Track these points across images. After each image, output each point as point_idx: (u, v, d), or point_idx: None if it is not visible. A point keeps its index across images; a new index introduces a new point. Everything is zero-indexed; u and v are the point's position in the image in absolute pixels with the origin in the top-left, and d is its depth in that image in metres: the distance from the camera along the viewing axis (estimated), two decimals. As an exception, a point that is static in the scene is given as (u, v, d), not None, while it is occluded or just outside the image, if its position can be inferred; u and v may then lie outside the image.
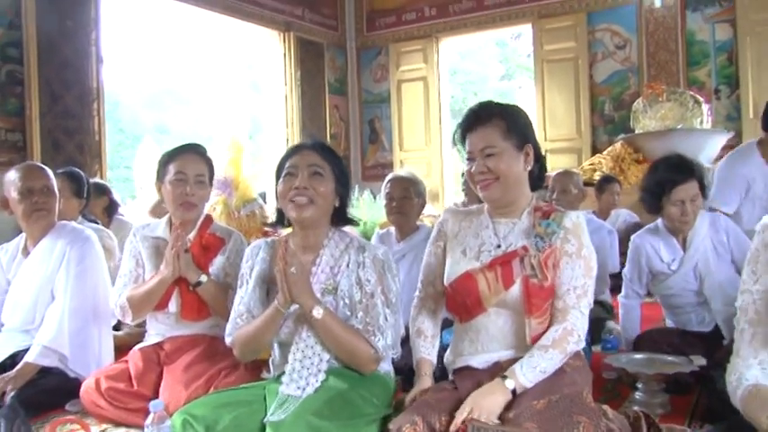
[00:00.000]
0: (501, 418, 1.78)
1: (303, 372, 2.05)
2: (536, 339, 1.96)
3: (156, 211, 4.84)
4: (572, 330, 1.95)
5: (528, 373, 1.85)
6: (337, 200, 2.19)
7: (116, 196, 4.60)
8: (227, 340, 2.20)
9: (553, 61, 8.02)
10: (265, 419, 1.95)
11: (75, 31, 5.70)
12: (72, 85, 5.63)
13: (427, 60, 8.82)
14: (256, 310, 2.17)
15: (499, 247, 2.06)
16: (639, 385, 2.52)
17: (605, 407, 1.91)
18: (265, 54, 8.38)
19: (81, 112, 5.69)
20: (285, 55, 8.23)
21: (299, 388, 2.01)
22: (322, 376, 2.04)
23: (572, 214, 2.07)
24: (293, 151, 2.21)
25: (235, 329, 2.19)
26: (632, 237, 3.10)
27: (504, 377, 1.86)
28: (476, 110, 2.09)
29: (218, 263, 2.66)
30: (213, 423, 1.96)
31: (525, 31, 8.56)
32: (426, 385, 2.06)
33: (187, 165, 2.64)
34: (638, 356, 2.66)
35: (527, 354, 1.91)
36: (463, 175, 3.77)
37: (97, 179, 4.90)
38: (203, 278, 2.56)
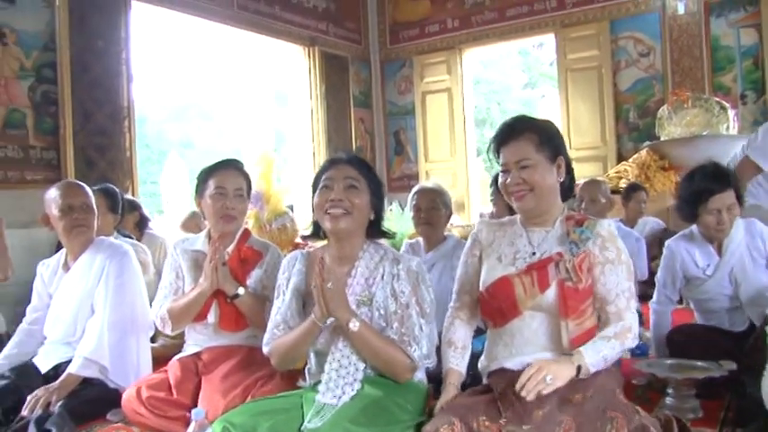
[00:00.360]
0: (533, 417, 1.82)
1: (339, 381, 2.09)
2: (576, 341, 2.02)
3: (188, 225, 4.94)
4: (630, 327, 2.04)
5: (593, 355, 1.94)
6: (372, 213, 2.24)
7: (146, 211, 4.71)
8: (265, 350, 2.27)
9: (577, 70, 8.03)
10: (303, 427, 2.00)
11: (105, 50, 5.82)
12: (103, 103, 5.76)
13: (451, 72, 8.87)
14: (293, 321, 2.23)
15: (534, 254, 2.13)
16: (669, 390, 2.54)
17: (638, 407, 1.92)
18: (290, 68, 8.48)
19: (112, 129, 5.81)
20: (310, 69, 8.32)
21: (335, 396, 2.06)
22: (358, 385, 2.09)
23: (604, 222, 2.15)
24: (329, 165, 2.27)
25: (272, 339, 2.25)
26: (667, 242, 3.11)
27: (570, 355, 1.94)
28: (510, 123, 2.17)
29: (255, 275, 2.73)
30: (251, 430, 2.02)
31: (548, 40, 8.59)
32: (452, 394, 2.11)
33: (226, 179, 2.71)
34: (668, 362, 2.68)
35: (590, 341, 1.99)
36: (491, 185, 3.85)
37: (128, 195, 5.01)
38: (241, 290, 2.62)
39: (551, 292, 2.05)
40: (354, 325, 2.04)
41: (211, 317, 2.68)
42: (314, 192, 2.26)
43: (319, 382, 2.13)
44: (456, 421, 1.82)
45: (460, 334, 2.25)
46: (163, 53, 18.32)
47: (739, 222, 2.92)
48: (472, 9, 8.66)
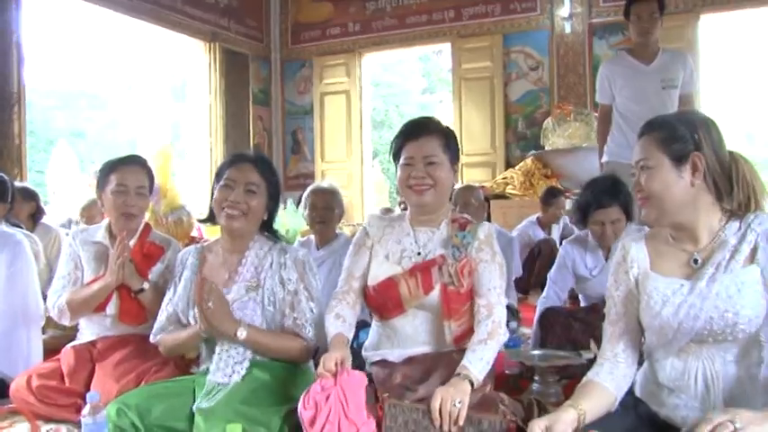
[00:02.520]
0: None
1: (229, 360, 2.20)
2: (457, 339, 2.18)
3: (88, 211, 4.84)
4: (500, 323, 2.15)
5: (477, 364, 2.01)
6: (266, 214, 2.37)
7: (42, 203, 4.61)
8: (152, 339, 2.38)
9: (470, 79, 8.39)
10: (195, 407, 2.11)
11: (-5, 32, 5.66)
12: (-8, 87, 5.59)
13: (350, 74, 9.05)
14: (183, 315, 2.33)
15: (419, 254, 2.25)
16: (536, 378, 2.80)
17: (503, 395, 2.12)
18: (190, 63, 8.43)
19: (1, 116, 5.63)
20: (210, 64, 8.31)
21: (225, 375, 2.17)
22: (247, 364, 2.20)
23: (484, 226, 2.29)
24: (234, 162, 2.36)
25: (161, 331, 2.36)
26: (563, 243, 3.43)
27: (459, 374, 1.98)
28: (421, 121, 2.31)
29: (157, 270, 2.75)
30: (146, 411, 2.10)
31: (445, 48, 8.92)
32: (343, 352, 2.06)
33: (128, 176, 2.72)
34: (534, 352, 2.95)
35: (468, 350, 2.07)
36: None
37: (25, 184, 4.88)
38: (145, 285, 2.65)
39: (435, 294, 2.18)
40: (242, 333, 2.15)
41: (110, 309, 2.69)
42: (216, 181, 2.36)
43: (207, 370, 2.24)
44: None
45: (347, 312, 2.27)
46: (53, 38, 17.57)
47: (630, 230, 3.14)
48: (373, 15, 8.87)
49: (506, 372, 3.14)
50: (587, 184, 3.28)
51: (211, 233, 4.80)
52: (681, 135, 1.67)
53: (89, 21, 9.78)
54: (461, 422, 1.84)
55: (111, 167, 2.76)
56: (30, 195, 4.49)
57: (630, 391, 1.83)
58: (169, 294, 2.40)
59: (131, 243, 2.73)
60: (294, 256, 2.35)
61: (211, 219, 2.44)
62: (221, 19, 8.47)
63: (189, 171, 7.69)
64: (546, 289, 3.45)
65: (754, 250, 1.63)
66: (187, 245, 3.63)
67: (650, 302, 1.72)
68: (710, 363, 1.66)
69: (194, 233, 4.25)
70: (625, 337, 1.82)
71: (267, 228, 2.42)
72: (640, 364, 1.88)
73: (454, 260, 2.19)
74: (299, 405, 1.91)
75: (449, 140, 2.25)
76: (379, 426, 1.92)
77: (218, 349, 2.24)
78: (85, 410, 2.00)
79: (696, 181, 1.65)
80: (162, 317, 2.39)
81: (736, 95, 17.92)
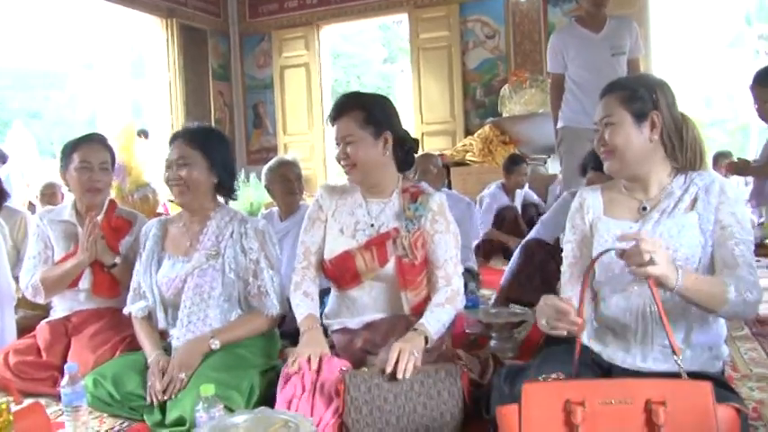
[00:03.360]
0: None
1: (191, 326, 2.36)
2: (416, 308, 2.28)
3: (45, 194, 4.88)
4: (458, 290, 2.28)
5: (434, 324, 2.15)
6: (215, 176, 2.45)
7: (5, 185, 4.61)
8: (125, 310, 2.55)
9: (428, 49, 8.47)
10: None
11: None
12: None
13: (309, 47, 9.07)
14: (144, 285, 2.48)
15: (372, 226, 2.33)
16: (493, 334, 2.97)
17: (459, 351, 2.27)
18: (148, 40, 8.38)
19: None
20: (168, 41, 8.27)
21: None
22: (208, 329, 2.35)
23: (435, 196, 2.36)
24: (170, 142, 2.49)
25: (133, 302, 2.52)
26: (564, 193, 3.68)
27: (415, 329, 2.11)
28: (338, 101, 2.34)
29: (126, 243, 2.85)
30: (121, 382, 2.25)
31: (403, 19, 8.96)
32: (320, 338, 2.20)
33: (91, 153, 2.80)
34: (492, 310, 3.12)
35: (426, 311, 2.20)
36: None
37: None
38: (117, 260, 2.75)
39: (390, 266, 2.27)
40: (215, 344, 2.29)
41: (83, 283, 2.78)
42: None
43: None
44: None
45: (312, 288, 2.38)
46: (6, 16, 17.14)
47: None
48: (331, -14, 8.86)
49: (467, 331, 3.30)
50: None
51: (177, 210, 4.87)
52: (641, 95, 1.84)
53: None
54: (412, 373, 1.96)
55: (72, 147, 2.84)
56: (-10, 178, 4.50)
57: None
58: (137, 266, 2.53)
59: (99, 218, 2.81)
60: (254, 226, 2.47)
61: None
62: (178, -6, 8.41)
63: (151, 148, 7.68)
64: (534, 229, 3.62)
65: (695, 200, 1.82)
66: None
67: (601, 241, 1.89)
68: (649, 301, 1.81)
69: (160, 209, 4.32)
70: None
71: (223, 188, 2.51)
72: None
73: (407, 233, 2.27)
74: (278, 386, 2.04)
75: (370, 113, 2.26)
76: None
77: (180, 315, 2.37)
78: (64, 381, 2.07)
79: (654, 137, 1.83)
80: (133, 288, 2.53)
81: (693, 59, 18.21)
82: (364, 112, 2.27)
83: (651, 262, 1.54)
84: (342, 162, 2.31)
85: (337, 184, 2.55)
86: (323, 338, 2.23)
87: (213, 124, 8.62)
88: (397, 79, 19.03)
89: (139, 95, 8.92)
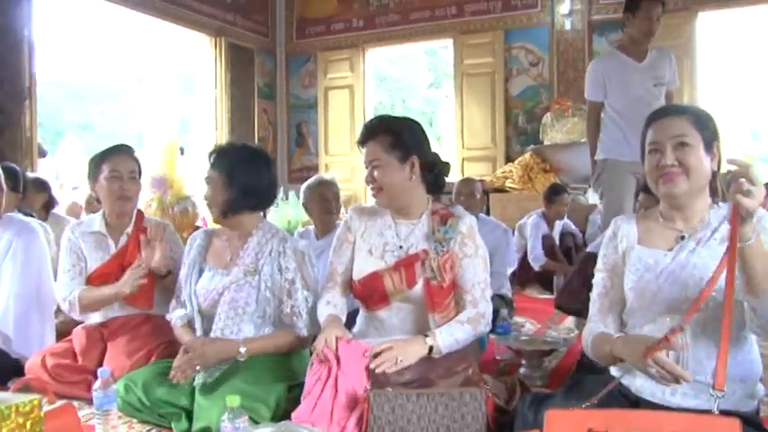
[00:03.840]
0: (392, 383, 2.09)
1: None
2: None
3: (92, 205, 5.00)
4: (483, 314, 2.28)
5: (446, 337, 2.17)
6: (232, 191, 2.46)
7: (54, 193, 4.76)
8: (168, 317, 2.61)
9: (472, 75, 8.49)
10: (195, 382, 2.29)
11: (7, 27, 5.78)
12: (3, 81, 5.73)
13: (354, 69, 9.17)
14: (184, 293, 2.55)
15: (401, 247, 2.34)
16: (523, 362, 2.95)
17: (486, 376, 2.25)
18: (197, 57, 8.56)
19: (12, 108, 5.78)
20: (216, 59, 8.44)
21: None
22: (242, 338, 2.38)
23: (466, 219, 2.35)
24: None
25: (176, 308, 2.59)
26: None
27: (426, 335, 2.17)
28: (367, 125, 2.38)
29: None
30: (151, 389, 2.30)
31: (448, 44, 9.02)
32: (338, 325, 2.25)
33: (120, 163, 2.89)
34: (522, 337, 3.10)
35: (446, 324, 2.22)
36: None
37: (38, 175, 5.04)
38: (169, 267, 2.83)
39: (418, 288, 2.27)
40: (242, 351, 2.34)
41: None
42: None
43: None
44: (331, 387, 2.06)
45: (338, 299, 2.42)
46: (64, 31, 17.69)
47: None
48: (377, 10, 8.98)
49: (497, 357, 3.29)
50: None
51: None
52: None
53: (99, 15, 9.90)
54: (390, 370, 2.04)
55: (101, 158, 2.93)
56: (42, 186, 4.65)
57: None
58: (181, 274, 2.60)
59: (128, 230, 2.94)
60: (294, 245, 2.51)
61: None
62: (227, 14, 8.60)
63: (195, 163, 7.83)
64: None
65: None
66: (191, 234, 3.80)
67: (633, 269, 1.89)
68: (682, 333, 1.79)
69: (199, 223, 4.41)
70: (613, 309, 1.99)
71: (247, 199, 2.50)
72: None
73: (436, 255, 2.28)
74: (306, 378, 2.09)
75: (397, 138, 2.28)
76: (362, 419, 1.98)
77: (214, 327, 2.42)
78: (96, 384, 2.10)
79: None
80: (175, 295, 2.63)
81: (739, 93, 17.91)
82: (392, 136, 2.29)
83: (749, 192, 1.51)
84: (369, 185, 2.34)
85: (367, 205, 2.58)
86: (341, 326, 2.27)
87: (257, 142, 8.76)
88: (441, 104, 19.07)
89: (187, 111, 9.10)
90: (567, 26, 7.93)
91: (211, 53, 8.44)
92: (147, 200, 4.21)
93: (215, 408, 2.10)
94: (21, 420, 1.68)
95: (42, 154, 7.20)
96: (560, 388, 2.02)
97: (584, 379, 1.95)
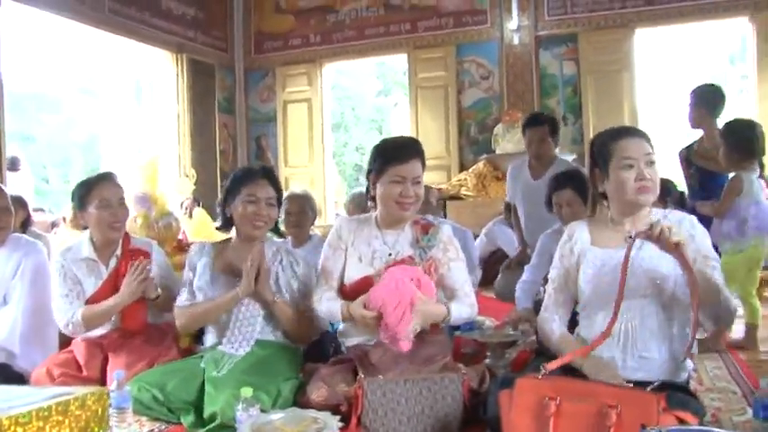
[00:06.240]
0: (385, 373, 2.38)
1: (239, 336, 2.69)
2: (431, 329, 2.59)
3: (75, 223, 5.11)
4: (473, 304, 2.69)
5: (456, 312, 2.59)
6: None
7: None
8: (176, 310, 2.85)
9: (426, 88, 8.82)
10: (206, 376, 2.54)
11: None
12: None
13: (311, 83, 9.39)
14: (204, 293, 2.80)
15: (390, 255, 2.65)
16: (489, 353, 3.28)
17: (460, 364, 2.54)
18: (157, 72, 8.65)
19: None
20: (178, 75, 8.57)
21: (232, 348, 2.66)
22: (253, 341, 2.69)
23: (444, 228, 2.73)
24: (252, 177, 2.82)
25: (187, 302, 2.83)
26: (541, 236, 3.86)
27: (444, 303, 2.58)
28: (408, 145, 2.68)
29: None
30: (163, 385, 2.53)
31: (402, 59, 9.29)
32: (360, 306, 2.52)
33: (109, 192, 3.03)
34: (487, 332, 3.43)
35: (457, 302, 2.62)
36: (351, 194, 4.44)
37: (16, 193, 5.13)
38: (159, 290, 3.01)
39: None
40: (278, 298, 2.69)
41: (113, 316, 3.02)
42: (232, 195, 2.81)
43: (218, 343, 2.73)
44: (322, 384, 2.38)
45: (335, 297, 2.68)
46: (20, 46, 17.32)
47: None
48: (333, 26, 9.21)
49: (462, 351, 3.61)
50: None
51: (196, 236, 5.20)
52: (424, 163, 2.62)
53: (57, 33, 9.89)
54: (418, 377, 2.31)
55: (89, 186, 3.06)
56: (20, 203, 4.74)
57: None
58: (189, 276, 2.86)
59: (117, 252, 3.08)
60: (298, 255, 2.91)
61: (227, 226, 2.90)
62: (188, 30, 8.74)
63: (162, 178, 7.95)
64: (525, 273, 3.88)
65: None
66: (175, 247, 4.06)
67: (590, 266, 2.25)
68: (632, 317, 2.16)
69: (180, 236, 4.62)
70: (565, 305, 2.37)
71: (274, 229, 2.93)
72: None
73: (421, 260, 2.61)
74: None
75: (423, 161, 2.62)
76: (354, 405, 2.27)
77: (231, 324, 2.70)
78: (113, 386, 2.33)
79: None
80: (186, 290, 2.85)
81: (676, 110, 18.56)
82: (421, 157, 2.62)
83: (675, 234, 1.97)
84: (408, 200, 2.56)
85: (351, 217, 2.93)
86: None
87: (218, 155, 8.98)
88: (390, 112, 19.30)
89: (143, 123, 9.14)
90: (516, 41, 8.31)
91: (173, 69, 8.55)
92: (132, 216, 4.39)
93: (222, 395, 2.36)
94: (94, 407, 2.05)
95: (15, 166, 7.11)
96: (525, 370, 2.36)
97: (544, 362, 2.29)
